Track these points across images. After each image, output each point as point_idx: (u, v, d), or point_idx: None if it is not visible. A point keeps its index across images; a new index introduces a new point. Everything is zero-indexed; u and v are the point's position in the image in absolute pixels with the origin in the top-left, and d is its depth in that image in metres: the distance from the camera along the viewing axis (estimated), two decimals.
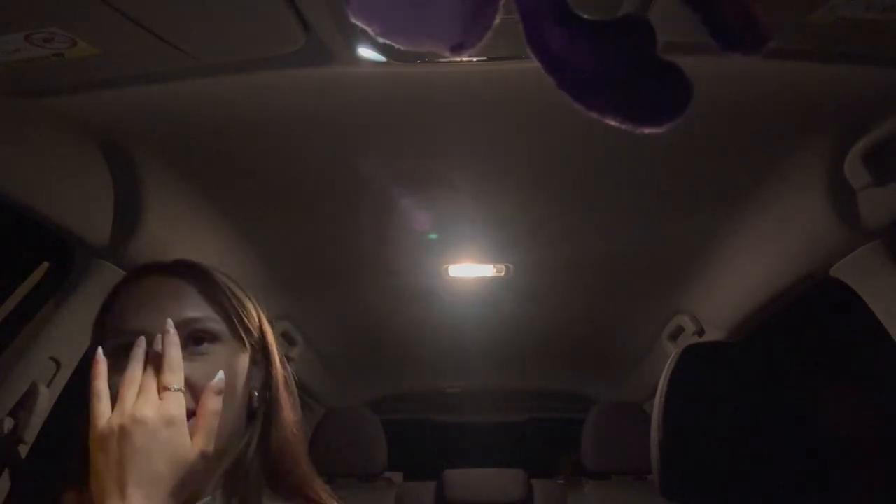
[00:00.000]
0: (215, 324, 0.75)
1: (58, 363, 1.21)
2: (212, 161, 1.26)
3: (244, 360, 0.77)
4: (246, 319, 0.79)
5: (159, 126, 1.13)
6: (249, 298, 0.83)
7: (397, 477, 3.12)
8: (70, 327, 1.23)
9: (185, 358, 0.70)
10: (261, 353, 0.81)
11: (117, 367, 0.69)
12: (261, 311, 0.84)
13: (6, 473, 1.11)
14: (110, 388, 0.69)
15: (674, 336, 2.10)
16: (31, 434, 1.13)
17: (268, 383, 0.81)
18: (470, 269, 1.86)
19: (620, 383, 2.80)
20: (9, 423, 1.11)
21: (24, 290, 1.33)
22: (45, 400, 1.15)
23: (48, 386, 1.18)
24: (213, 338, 0.74)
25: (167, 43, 0.84)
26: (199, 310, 0.75)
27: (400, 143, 1.21)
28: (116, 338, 0.73)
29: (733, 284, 1.70)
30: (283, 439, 0.79)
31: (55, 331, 1.21)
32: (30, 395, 1.14)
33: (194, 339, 0.73)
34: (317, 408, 2.68)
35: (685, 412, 1.07)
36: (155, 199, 1.27)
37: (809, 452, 1.04)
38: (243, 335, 0.77)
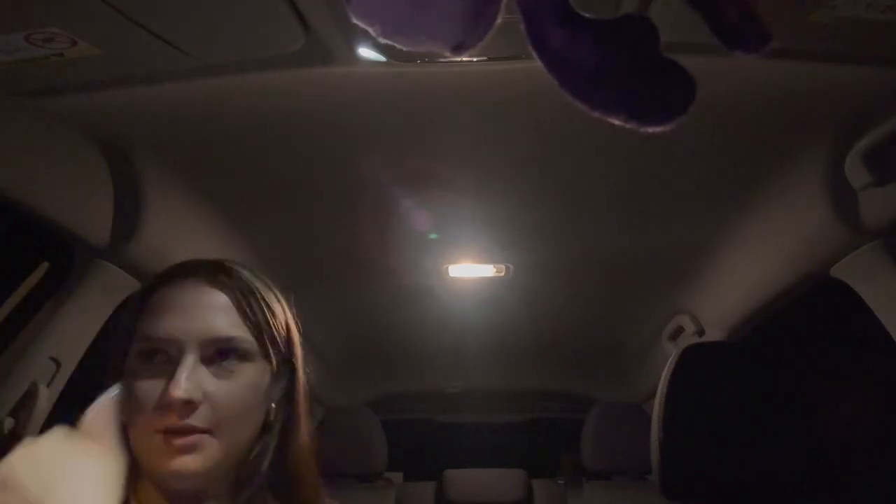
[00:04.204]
0: (247, 344, 0.74)
1: (58, 363, 1.21)
2: (212, 161, 1.26)
3: (269, 377, 0.76)
4: (277, 336, 0.78)
5: (159, 126, 1.13)
6: (281, 304, 0.82)
7: (397, 477, 3.12)
8: (70, 327, 1.23)
9: (212, 374, 0.70)
10: (285, 366, 0.80)
11: (141, 373, 0.69)
12: (290, 320, 0.82)
13: None
14: (133, 392, 0.69)
15: (674, 336, 2.10)
16: (31, 434, 1.13)
17: (288, 396, 0.79)
18: (470, 269, 1.86)
19: (620, 383, 2.79)
20: (9, 423, 1.11)
21: (24, 290, 1.33)
22: (45, 400, 1.15)
23: (48, 386, 1.18)
24: (242, 357, 0.73)
25: (167, 43, 0.84)
26: (234, 328, 0.73)
27: (400, 143, 1.21)
28: (144, 343, 0.72)
29: (733, 284, 1.70)
30: (300, 453, 0.78)
31: (55, 331, 1.21)
32: (30, 395, 1.14)
33: (223, 356, 0.72)
34: (317, 408, 2.68)
35: (685, 412, 1.07)
36: (155, 199, 1.27)
37: (809, 452, 1.04)
38: (272, 354, 0.76)
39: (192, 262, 0.79)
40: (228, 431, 0.70)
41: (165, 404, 0.67)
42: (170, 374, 0.68)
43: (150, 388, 0.69)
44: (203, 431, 0.68)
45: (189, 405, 0.67)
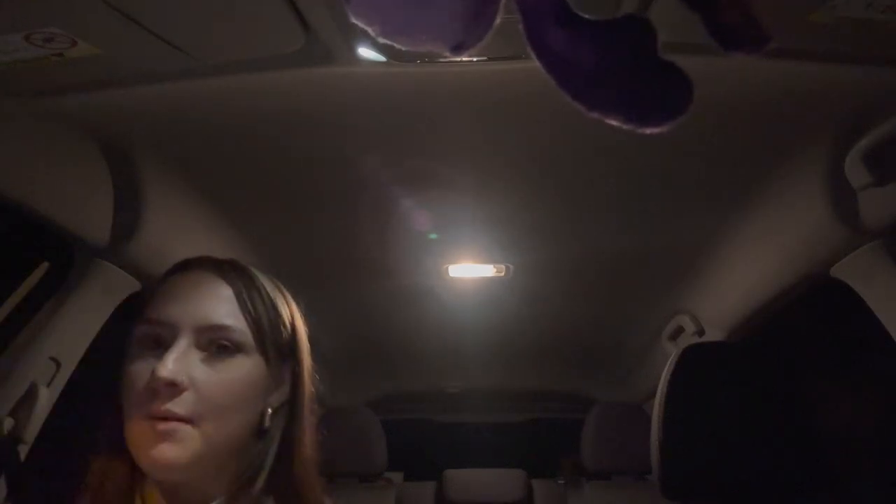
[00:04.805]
0: (242, 336, 0.74)
1: (58, 363, 1.21)
2: (212, 161, 1.26)
3: (262, 375, 0.75)
4: (277, 335, 0.77)
5: (159, 126, 1.13)
6: (289, 307, 0.82)
7: (397, 477, 3.12)
8: (70, 327, 1.23)
9: (202, 360, 0.71)
10: (289, 373, 0.80)
11: (138, 357, 0.70)
12: (298, 324, 0.82)
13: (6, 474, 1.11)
14: (127, 376, 0.70)
15: (674, 336, 2.10)
16: (31, 434, 1.13)
17: (291, 404, 0.79)
18: (470, 269, 1.86)
19: (620, 383, 2.79)
20: (9, 423, 1.11)
21: (24, 290, 1.33)
22: (45, 400, 1.15)
23: (48, 386, 1.18)
24: (235, 348, 0.73)
25: (167, 43, 0.84)
26: (230, 318, 0.74)
27: (400, 143, 1.21)
28: (145, 325, 0.73)
29: (733, 284, 1.70)
30: (303, 464, 0.78)
31: (55, 331, 1.21)
32: (30, 395, 1.14)
33: (216, 344, 0.72)
34: (317, 408, 2.67)
35: (685, 412, 1.07)
36: (155, 199, 1.27)
37: (809, 452, 1.04)
38: (269, 353, 0.76)
39: (203, 257, 0.80)
40: (211, 423, 0.69)
41: (152, 387, 0.67)
42: (162, 357, 0.68)
43: (142, 370, 0.69)
44: (184, 420, 0.68)
45: (173, 388, 0.67)
